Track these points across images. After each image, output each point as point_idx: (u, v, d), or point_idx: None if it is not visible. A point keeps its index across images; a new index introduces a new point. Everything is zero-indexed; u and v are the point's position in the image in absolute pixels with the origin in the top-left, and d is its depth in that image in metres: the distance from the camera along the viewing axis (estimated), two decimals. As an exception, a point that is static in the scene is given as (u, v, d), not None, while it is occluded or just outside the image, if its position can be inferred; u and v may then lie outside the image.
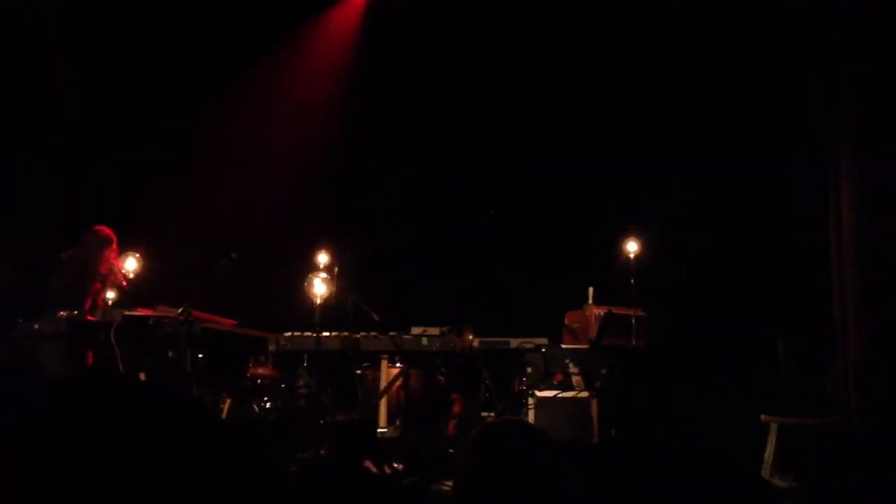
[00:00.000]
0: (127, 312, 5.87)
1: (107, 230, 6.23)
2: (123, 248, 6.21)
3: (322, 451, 5.50)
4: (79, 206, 7.35)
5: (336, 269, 6.23)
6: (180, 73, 7.72)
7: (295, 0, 8.06)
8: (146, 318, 5.96)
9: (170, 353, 5.99)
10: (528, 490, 1.92)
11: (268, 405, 6.35)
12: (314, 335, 5.95)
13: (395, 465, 5.60)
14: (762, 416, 5.60)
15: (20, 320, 5.83)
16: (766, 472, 5.44)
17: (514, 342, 6.23)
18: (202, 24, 7.72)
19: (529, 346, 6.16)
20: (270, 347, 6.18)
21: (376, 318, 6.16)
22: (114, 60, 7.73)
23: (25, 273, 6.66)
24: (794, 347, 6.07)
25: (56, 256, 6.21)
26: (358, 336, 6.08)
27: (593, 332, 6.17)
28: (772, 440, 5.51)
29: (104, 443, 1.22)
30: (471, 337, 6.16)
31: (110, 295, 6.06)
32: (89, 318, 5.89)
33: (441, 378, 6.24)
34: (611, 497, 1.41)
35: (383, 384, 6.10)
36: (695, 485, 1.39)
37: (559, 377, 6.03)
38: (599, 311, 6.23)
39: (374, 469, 5.24)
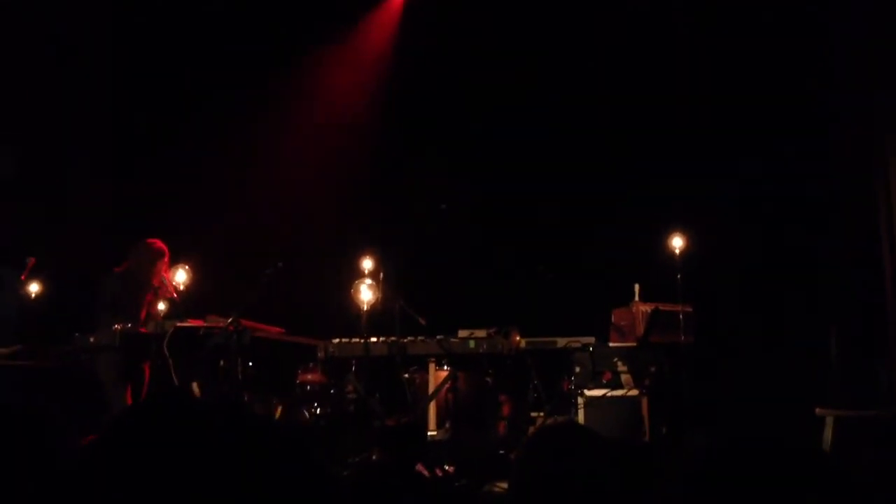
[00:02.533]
0: (178, 324, 5.96)
1: (159, 243, 6.34)
2: (172, 261, 6.32)
3: (373, 456, 5.55)
4: (123, 218, 7.50)
5: (381, 274, 6.27)
6: (224, 80, 7.81)
7: (334, 3, 8.12)
8: (197, 328, 6.05)
9: (221, 363, 6.08)
10: (582, 492, 1.93)
11: (318, 411, 6.41)
12: (362, 341, 6.00)
13: (446, 468, 5.62)
14: (817, 410, 5.51)
15: (77, 334, 5.97)
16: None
17: (562, 342, 6.21)
18: (243, 27, 7.83)
19: (577, 345, 6.13)
20: (319, 354, 6.25)
21: (423, 321, 6.18)
22: (156, 68, 7.85)
23: (70, 285, 6.80)
24: (847, 339, 5.98)
25: (102, 268, 6.33)
26: (405, 340, 6.11)
27: (640, 329, 6.13)
28: (828, 433, 5.43)
29: (170, 466, 1.25)
30: (518, 338, 6.15)
31: (161, 307, 6.17)
32: (143, 330, 6.01)
33: (489, 380, 6.24)
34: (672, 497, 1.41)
35: (431, 388, 6.13)
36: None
37: (608, 376, 6.00)
38: (646, 308, 6.19)
39: (425, 472, 5.28)
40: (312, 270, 7.21)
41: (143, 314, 6.17)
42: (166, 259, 6.23)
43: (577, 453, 1.92)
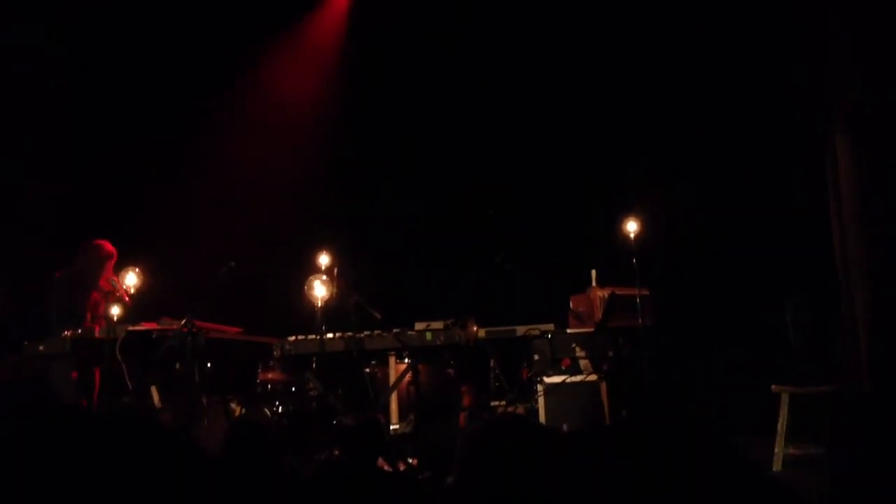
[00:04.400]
0: (131, 327, 5.87)
1: (107, 244, 6.24)
2: (122, 264, 6.21)
3: (335, 453, 5.52)
4: (72, 221, 7.36)
5: (335, 270, 6.22)
6: (171, 83, 7.72)
7: (283, 2, 8.03)
8: (150, 332, 5.96)
9: (177, 366, 6.00)
10: (522, 481, 1.91)
11: (279, 410, 6.35)
12: (318, 338, 5.95)
13: (410, 461, 5.60)
14: (773, 387, 5.56)
15: (25, 343, 5.85)
16: (780, 443, 5.41)
17: (521, 330, 6.23)
18: (193, 31, 7.72)
19: (535, 333, 6.14)
20: (275, 352, 6.18)
21: (378, 316, 6.14)
22: (104, 71, 7.73)
23: (23, 293, 6.66)
24: (802, 316, 6.03)
25: (50, 275, 6.22)
26: (362, 335, 6.07)
27: (598, 314, 6.14)
28: (784, 411, 5.48)
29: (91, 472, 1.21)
30: (475, 328, 6.14)
31: (114, 311, 6.06)
32: (96, 334, 5.91)
33: (450, 371, 6.22)
34: (599, 485, 1.39)
35: (392, 381, 6.10)
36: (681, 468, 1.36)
37: (567, 362, 6.01)
38: (603, 293, 6.21)
39: (387, 467, 5.25)
40: (266, 268, 7.13)
41: (89, 316, 6.06)
42: (113, 261, 6.13)
43: (512, 444, 1.90)
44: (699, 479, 1.33)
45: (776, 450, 5.39)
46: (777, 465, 5.37)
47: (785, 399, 5.50)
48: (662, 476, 1.32)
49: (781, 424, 5.43)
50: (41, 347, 5.79)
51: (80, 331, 5.85)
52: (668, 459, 1.32)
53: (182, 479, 1.22)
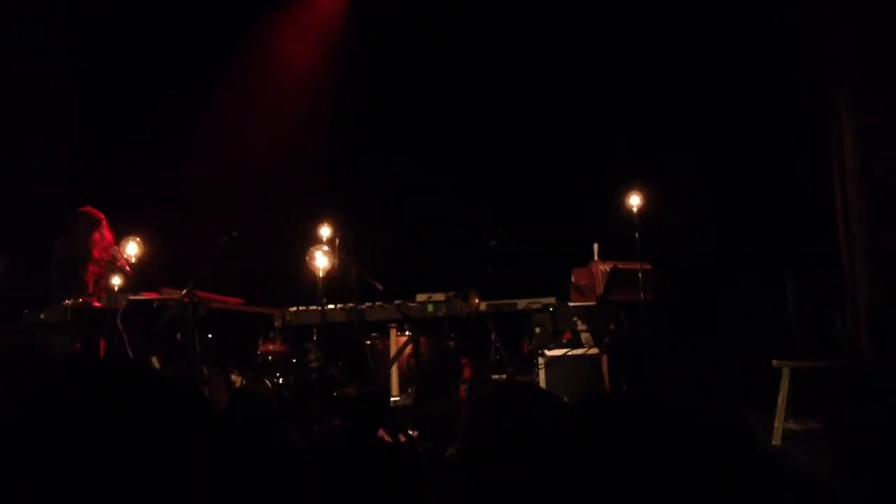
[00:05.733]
0: (132, 297, 5.87)
1: (93, 210, 6.20)
2: (124, 233, 6.19)
3: (336, 423, 5.52)
4: (73, 190, 7.33)
5: (337, 241, 6.20)
6: (174, 53, 7.65)
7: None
8: (151, 301, 5.96)
9: (178, 336, 5.99)
10: (526, 444, 1.91)
11: (280, 381, 6.36)
12: (319, 309, 5.95)
13: (410, 433, 5.61)
14: (774, 362, 5.57)
15: (26, 311, 5.84)
16: (780, 417, 5.43)
17: (522, 303, 6.21)
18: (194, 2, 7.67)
19: (537, 306, 6.13)
20: (277, 323, 6.18)
21: (380, 287, 6.14)
22: (110, 40, 7.67)
23: (25, 261, 6.65)
24: (803, 291, 6.04)
25: (50, 243, 6.20)
26: (363, 307, 6.07)
27: (600, 288, 6.13)
28: (784, 385, 5.49)
29: (99, 429, 1.20)
30: (477, 301, 6.13)
31: (115, 281, 6.05)
32: (96, 303, 5.90)
33: (450, 343, 6.22)
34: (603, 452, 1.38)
35: (393, 353, 6.11)
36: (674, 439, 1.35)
37: (568, 335, 6.01)
38: (605, 267, 6.20)
39: (388, 438, 5.26)
40: (268, 238, 7.12)
41: (91, 285, 6.05)
42: (104, 225, 6.10)
43: (522, 411, 1.89)
44: (711, 457, 1.32)
45: (776, 424, 5.41)
46: (776, 440, 5.39)
47: (786, 373, 5.51)
48: (673, 451, 1.31)
49: (782, 399, 5.45)
50: (42, 316, 5.79)
51: (80, 300, 5.84)
52: (680, 435, 1.31)
53: (196, 432, 1.21)
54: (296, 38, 8.08)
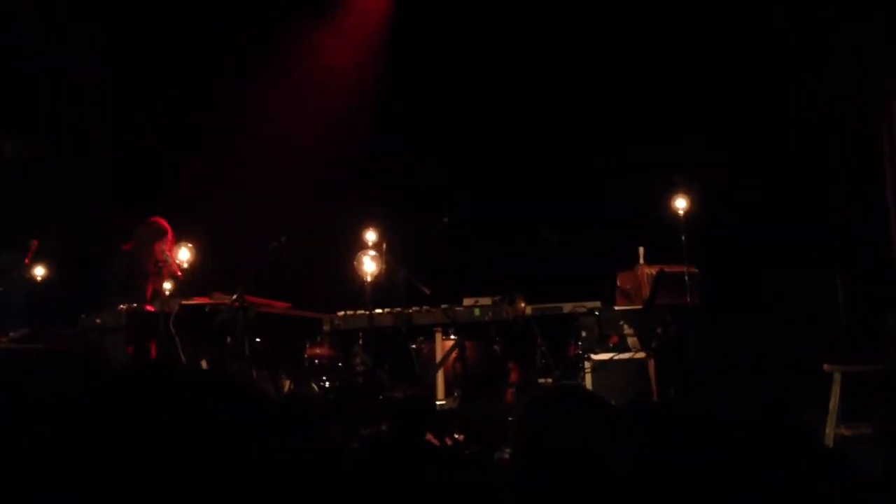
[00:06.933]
0: (184, 302, 5.98)
1: (162, 221, 6.35)
2: (177, 238, 6.31)
3: (383, 427, 5.57)
4: (125, 196, 7.49)
5: (384, 245, 6.26)
6: (223, 54, 7.77)
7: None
8: (203, 306, 6.07)
9: (228, 340, 6.10)
10: (581, 452, 1.92)
11: (327, 385, 6.43)
12: (367, 313, 6.01)
13: (456, 437, 5.64)
14: (825, 366, 5.49)
15: (82, 315, 5.99)
16: (831, 423, 5.35)
17: (567, 307, 6.21)
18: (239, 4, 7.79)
19: (582, 310, 6.12)
20: (325, 327, 6.25)
21: (427, 291, 6.18)
22: (153, 44, 7.82)
23: (75, 267, 6.81)
24: (854, 293, 5.94)
25: (105, 248, 6.35)
26: (410, 311, 6.11)
27: (646, 291, 6.10)
28: (836, 390, 5.40)
29: (160, 430, 1.25)
30: (523, 304, 6.14)
31: (167, 286, 6.17)
32: (149, 308, 6.03)
33: (496, 347, 6.24)
34: (667, 461, 1.40)
35: (439, 357, 6.14)
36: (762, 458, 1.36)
37: (614, 339, 5.99)
38: (651, 271, 6.17)
39: (434, 442, 5.30)
40: (316, 244, 7.20)
41: (150, 291, 6.18)
42: (169, 237, 6.23)
43: (571, 415, 1.91)
44: (781, 471, 1.33)
45: (827, 430, 5.33)
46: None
47: (837, 378, 5.42)
48: (745, 465, 1.32)
49: (833, 404, 5.36)
50: (98, 320, 5.92)
51: (135, 304, 5.97)
52: (752, 451, 1.32)
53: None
54: (342, 42, 8.15)
